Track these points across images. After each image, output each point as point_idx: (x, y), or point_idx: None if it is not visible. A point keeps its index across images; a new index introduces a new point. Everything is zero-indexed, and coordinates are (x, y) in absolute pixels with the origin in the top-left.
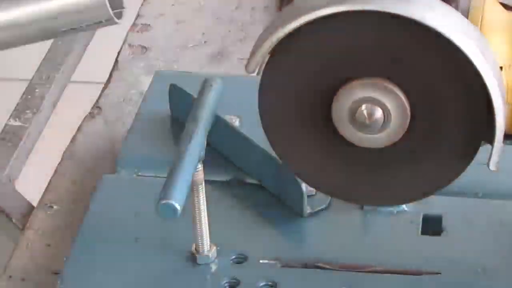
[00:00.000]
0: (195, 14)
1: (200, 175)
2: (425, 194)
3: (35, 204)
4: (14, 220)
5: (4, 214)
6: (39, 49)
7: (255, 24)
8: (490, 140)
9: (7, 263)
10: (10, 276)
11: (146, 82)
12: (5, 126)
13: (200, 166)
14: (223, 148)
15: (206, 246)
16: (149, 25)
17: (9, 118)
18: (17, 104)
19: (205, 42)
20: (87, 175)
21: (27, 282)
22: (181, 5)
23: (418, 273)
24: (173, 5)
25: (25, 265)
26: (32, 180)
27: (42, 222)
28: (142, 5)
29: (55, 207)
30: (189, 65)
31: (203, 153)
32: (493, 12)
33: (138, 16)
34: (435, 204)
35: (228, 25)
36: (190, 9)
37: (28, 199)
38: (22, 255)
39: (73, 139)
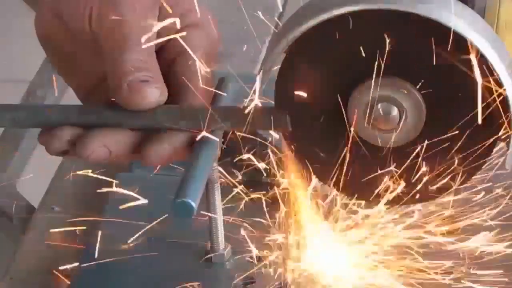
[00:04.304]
0: None
1: (216, 174)
2: (439, 195)
3: (36, 205)
4: (15, 222)
5: (5, 215)
6: (40, 51)
7: (256, 25)
8: (506, 140)
9: (8, 264)
10: (11, 278)
11: None
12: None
13: (215, 165)
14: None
15: (221, 245)
16: None
17: None
18: None
19: None
20: (88, 176)
21: (28, 283)
22: None
23: None
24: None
25: (26, 266)
26: (33, 182)
27: (43, 223)
28: None
29: (56, 208)
30: None
31: (218, 152)
32: (509, 11)
33: None
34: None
35: (229, 26)
36: None
37: (29, 201)
38: (23, 256)
39: None
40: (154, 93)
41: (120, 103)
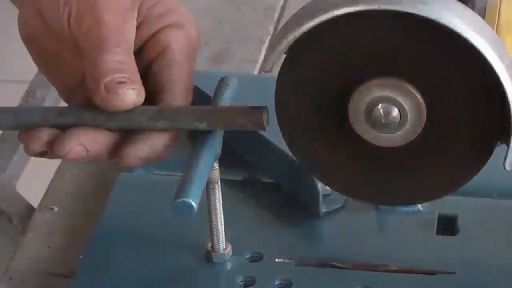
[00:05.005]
0: (196, 15)
1: (216, 174)
2: (441, 194)
3: (35, 205)
4: (14, 222)
5: (5, 215)
6: None
7: (256, 25)
8: (506, 140)
9: (8, 265)
10: (10, 278)
11: None
12: None
13: (216, 165)
14: (238, 146)
15: (222, 245)
16: None
17: None
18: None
19: (205, 43)
20: (88, 176)
21: (28, 284)
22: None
23: (433, 273)
24: None
25: (26, 267)
26: (33, 182)
27: (43, 224)
28: None
29: (55, 209)
30: None
31: (219, 151)
32: (510, 11)
33: None
34: (450, 204)
35: (228, 27)
36: (190, 11)
37: (28, 201)
38: (23, 257)
39: None
40: (131, 95)
41: (98, 104)
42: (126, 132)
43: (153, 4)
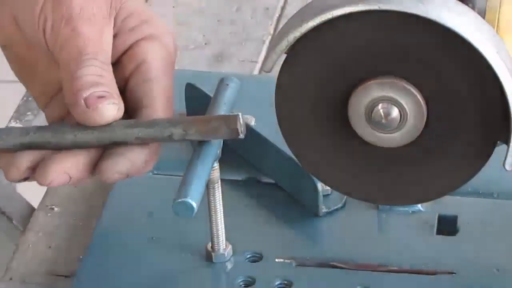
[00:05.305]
0: (196, 15)
1: (216, 174)
2: (440, 194)
3: (35, 205)
4: (14, 222)
5: (5, 215)
6: None
7: (256, 25)
8: (506, 140)
9: (8, 265)
10: (11, 278)
11: None
12: None
13: (216, 165)
14: (238, 147)
15: (222, 245)
16: None
17: (9, 120)
18: (18, 106)
19: (205, 43)
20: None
21: (28, 284)
22: (182, 7)
23: (432, 273)
24: (174, 6)
25: (26, 267)
26: (33, 182)
27: (43, 223)
28: None
29: (56, 208)
30: (190, 67)
31: (219, 151)
32: (510, 12)
33: None
34: (450, 204)
35: (229, 27)
36: (191, 11)
37: (28, 201)
38: (23, 257)
39: None
40: (111, 110)
41: (77, 119)
42: (106, 148)
43: (127, 16)
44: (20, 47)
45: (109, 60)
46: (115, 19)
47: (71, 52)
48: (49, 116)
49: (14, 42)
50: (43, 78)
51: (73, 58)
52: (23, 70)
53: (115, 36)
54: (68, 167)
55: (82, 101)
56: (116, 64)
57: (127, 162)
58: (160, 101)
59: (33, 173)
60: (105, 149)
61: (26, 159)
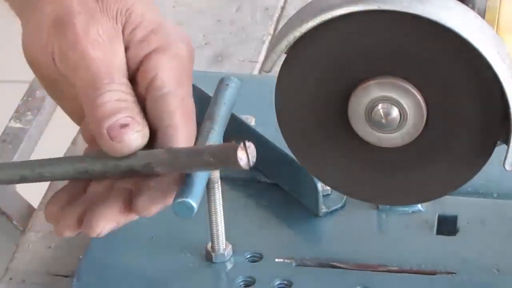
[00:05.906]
0: (196, 15)
1: (216, 174)
2: (440, 194)
3: (35, 205)
4: (14, 222)
5: (5, 215)
6: None
7: (256, 25)
8: (506, 140)
9: (8, 265)
10: (11, 278)
11: None
12: (5, 128)
13: None
14: None
15: (222, 245)
16: None
17: (9, 120)
18: (18, 106)
19: (205, 43)
20: None
21: (28, 284)
22: (182, 7)
23: (433, 273)
24: (173, 6)
25: (26, 267)
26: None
27: (43, 224)
28: None
29: None
30: None
31: None
32: (510, 12)
33: None
34: (450, 204)
35: (229, 27)
36: (190, 11)
37: (28, 201)
38: (23, 257)
39: (74, 141)
40: (136, 140)
41: (103, 149)
42: (134, 187)
43: (136, 26)
44: (43, 65)
45: (125, 77)
46: (123, 29)
47: (85, 78)
48: (84, 129)
49: (39, 60)
50: (70, 96)
51: (90, 85)
52: (49, 86)
53: (126, 49)
54: (114, 218)
55: (105, 132)
56: (132, 81)
57: (161, 196)
58: (178, 116)
59: (79, 226)
60: (135, 185)
61: (73, 210)
